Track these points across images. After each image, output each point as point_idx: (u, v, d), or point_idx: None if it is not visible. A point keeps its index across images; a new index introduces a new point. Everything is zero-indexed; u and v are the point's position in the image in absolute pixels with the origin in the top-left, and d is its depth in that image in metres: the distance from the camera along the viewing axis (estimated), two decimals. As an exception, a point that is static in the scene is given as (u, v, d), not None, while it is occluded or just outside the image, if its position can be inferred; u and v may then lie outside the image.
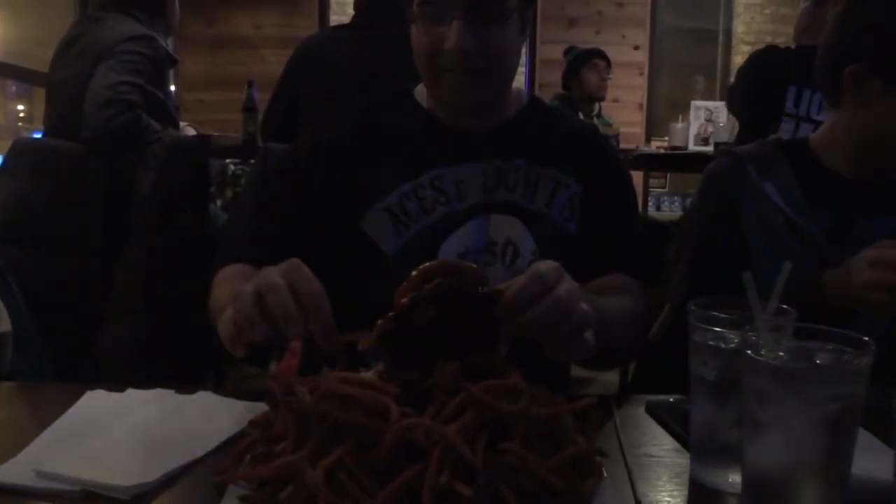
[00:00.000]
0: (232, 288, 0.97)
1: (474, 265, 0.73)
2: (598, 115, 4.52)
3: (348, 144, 1.17)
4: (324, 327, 0.74)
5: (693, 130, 4.59)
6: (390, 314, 0.69)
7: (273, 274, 0.77)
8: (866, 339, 0.60)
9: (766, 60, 2.71)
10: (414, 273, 0.71)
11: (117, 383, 0.93)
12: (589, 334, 0.79)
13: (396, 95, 1.24)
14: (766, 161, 1.22)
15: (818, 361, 0.62)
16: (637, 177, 5.02)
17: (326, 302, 0.75)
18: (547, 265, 0.77)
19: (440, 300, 0.69)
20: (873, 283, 0.98)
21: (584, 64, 4.45)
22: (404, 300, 0.69)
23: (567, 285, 0.77)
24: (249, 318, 0.75)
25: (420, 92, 1.22)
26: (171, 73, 2.86)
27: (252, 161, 2.97)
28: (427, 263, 0.71)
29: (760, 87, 2.67)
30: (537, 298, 0.73)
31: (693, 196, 1.38)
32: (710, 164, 1.32)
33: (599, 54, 4.48)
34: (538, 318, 0.73)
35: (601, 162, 1.22)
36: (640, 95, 6.27)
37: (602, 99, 4.55)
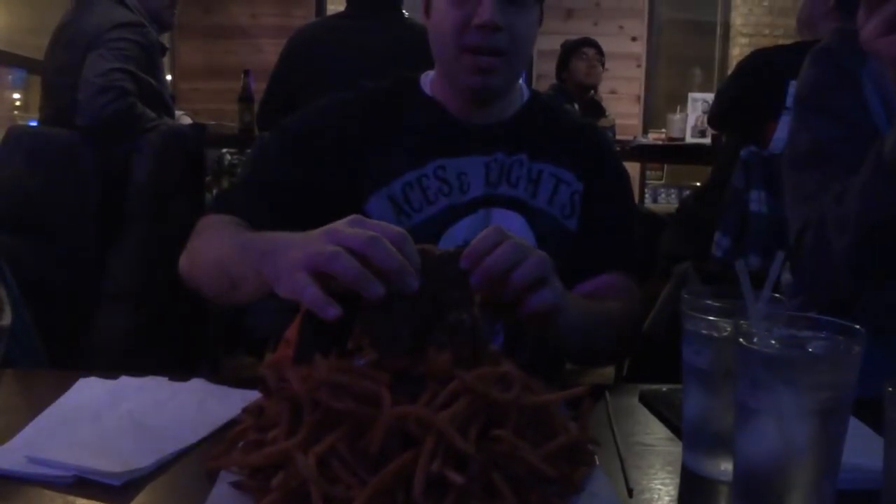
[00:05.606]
0: (233, 240, 0.96)
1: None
2: (592, 101, 4.48)
3: (355, 126, 1.16)
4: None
5: (690, 122, 4.57)
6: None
7: (357, 228, 0.74)
8: (858, 327, 0.60)
9: (755, 65, 2.64)
10: None
11: (111, 371, 0.93)
12: (557, 282, 0.81)
13: (402, 83, 1.23)
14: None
15: (810, 349, 0.62)
16: (634, 168, 5.02)
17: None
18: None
19: None
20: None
21: (573, 54, 4.45)
22: None
23: (523, 239, 0.81)
24: (363, 276, 0.70)
25: (425, 80, 1.22)
26: (165, 61, 2.84)
27: (248, 151, 2.97)
28: None
29: (758, 90, 2.61)
30: (496, 246, 0.77)
31: (803, 73, 1.21)
32: (817, 45, 1.21)
33: (587, 43, 4.48)
34: (497, 261, 0.76)
35: (601, 160, 1.23)
36: (638, 87, 6.26)
37: (594, 85, 4.53)
